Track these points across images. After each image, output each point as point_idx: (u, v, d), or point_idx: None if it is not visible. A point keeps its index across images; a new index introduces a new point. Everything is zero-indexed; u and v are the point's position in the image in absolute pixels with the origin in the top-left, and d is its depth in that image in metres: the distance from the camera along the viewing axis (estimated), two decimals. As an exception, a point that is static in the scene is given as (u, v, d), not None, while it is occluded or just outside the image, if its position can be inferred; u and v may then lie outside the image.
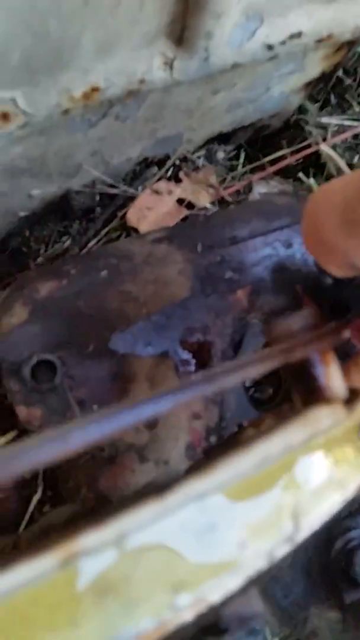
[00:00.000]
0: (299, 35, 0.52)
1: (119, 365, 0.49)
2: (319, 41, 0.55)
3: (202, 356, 0.52)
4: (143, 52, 0.47)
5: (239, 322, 0.53)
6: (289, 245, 0.57)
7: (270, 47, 0.52)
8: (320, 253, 0.26)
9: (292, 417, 0.24)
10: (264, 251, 0.57)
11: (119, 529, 0.16)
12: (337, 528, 0.49)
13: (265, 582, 0.47)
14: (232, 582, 0.18)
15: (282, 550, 0.20)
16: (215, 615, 0.34)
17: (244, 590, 0.19)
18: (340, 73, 0.76)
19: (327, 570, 0.47)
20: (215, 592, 0.17)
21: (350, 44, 0.61)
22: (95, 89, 0.43)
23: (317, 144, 0.70)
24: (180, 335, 0.52)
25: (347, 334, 0.30)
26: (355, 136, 0.76)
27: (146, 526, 0.16)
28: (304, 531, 0.21)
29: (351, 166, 0.75)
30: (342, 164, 0.68)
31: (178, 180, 0.68)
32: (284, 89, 0.66)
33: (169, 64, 0.48)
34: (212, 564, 0.17)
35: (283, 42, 0.52)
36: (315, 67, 0.64)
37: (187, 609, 0.16)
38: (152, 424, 0.49)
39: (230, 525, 0.18)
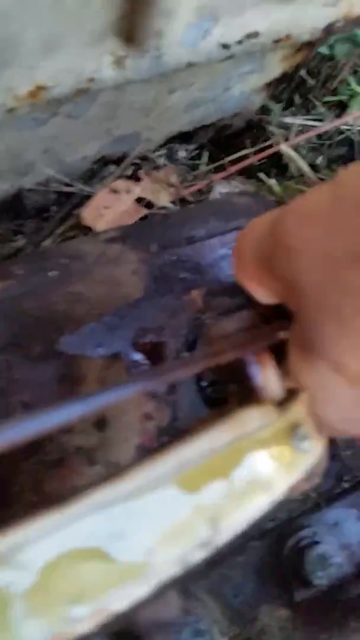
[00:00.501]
0: (255, 35, 0.53)
1: (67, 367, 0.49)
2: (277, 41, 0.55)
3: (155, 357, 0.52)
4: (91, 50, 0.46)
5: (193, 322, 0.53)
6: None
7: (226, 47, 0.52)
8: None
9: (220, 419, 0.24)
10: (220, 251, 0.57)
11: (14, 540, 0.16)
12: (289, 527, 0.49)
13: (215, 581, 0.47)
14: (139, 590, 0.18)
15: (198, 555, 0.20)
16: (129, 621, 0.34)
17: (158, 595, 0.19)
18: (303, 73, 0.77)
19: (278, 569, 0.48)
20: (120, 601, 0.17)
21: (310, 45, 0.62)
22: (41, 88, 0.43)
23: (278, 144, 0.70)
24: (133, 336, 0.51)
25: (283, 335, 0.30)
26: (319, 136, 0.77)
27: (45, 536, 0.16)
28: (224, 535, 0.21)
29: (314, 167, 0.75)
30: (302, 164, 0.68)
31: (138, 179, 0.68)
32: (244, 89, 0.66)
33: (120, 63, 0.48)
34: (117, 572, 0.17)
35: (239, 42, 0.53)
36: (275, 67, 0.65)
37: (85, 620, 0.16)
38: (101, 425, 0.49)
39: (139, 531, 0.18)
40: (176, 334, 0.53)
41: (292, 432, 0.26)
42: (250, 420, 0.24)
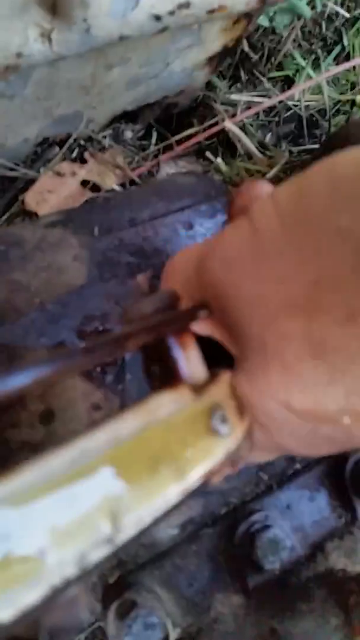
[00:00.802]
0: (187, 5, 0.51)
1: (8, 359, 0.47)
2: (211, 12, 0.53)
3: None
4: (15, 22, 0.44)
5: (138, 307, 0.52)
6: (189, 226, 0.56)
7: (157, 18, 0.50)
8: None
9: (131, 405, 0.23)
10: (165, 233, 0.55)
11: None
12: (241, 512, 0.49)
13: (168, 572, 0.46)
14: (28, 596, 0.16)
15: (98, 554, 0.18)
16: (34, 628, 0.32)
17: (52, 600, 0.17)
18: (246, 48, 0.75)
19: (231, 556, 0.47)
20: (6, 608, 0.16)
21: (248, 16, 0.60)
22: None
23: (224, 121, 0.69)
24: (78, 324, 0.50)
25: (203, 315, 0.28)
26: (267, 113, 0.75)
27: None
28: (128, 530, 0.20)
29: (263, 144, 0.74)
30: (247, 141, 0.67)
31: (84, 162, 0.66)
32: (185, 65, 0.64)
33: (47, 36, 0.46)
34: (2, 579, 0.16)
35: (171, 13, 0.50)
36: (214, 40, 0.63)
37: None
38: (47, 419, 0.47)
39: (27, 532, 0.17)
40: (122, 321, 0.51)
41: (210, 415, 0.25)
42: (160, 405, 0.23)
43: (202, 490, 0.25)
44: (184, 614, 0.45)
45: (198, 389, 0.26)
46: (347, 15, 0.76)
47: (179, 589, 0.46)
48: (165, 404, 0.23)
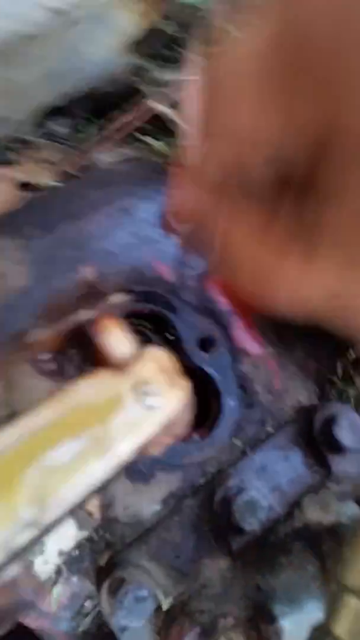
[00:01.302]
0: (88, -6, 0.50)
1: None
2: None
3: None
4: None
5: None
6: (130, 213, 0.56)
7: (59, 12, 0.50)
8: None
9: (55, 393, 0.24)
10: (105, 224, 0.55)
11: None
12: (219, 479, 0.50)
13: (154, 546, 0.48)
14: None
15: (24, 537, 0.19)
16: None
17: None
18: (171, 27, 0.74)
19: (213, 522, 0.49)
20: None
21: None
22: None
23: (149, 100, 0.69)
24: (26, 324, 0.50)
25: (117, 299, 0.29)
26: None
27: None
28: (53, 511, 0.21)
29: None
30: (175, 117, 0.67)
31: (17, 164, 0.66)
32: (105, 53, 0.64)
33: None
34: None
35: (73, 4, 0.50)
36: (130, 24, 0.62)
37: None
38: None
39: None
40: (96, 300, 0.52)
41: (138, 391, 0.26)
42: (78, 390, 0.24)
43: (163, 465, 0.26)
44: (174, 584, 0.47)
45: (122, 368, 0.27)
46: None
47: (167, 561, 0.47)
48: (84, 389, 0.24)
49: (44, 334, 0.26)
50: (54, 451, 0.21)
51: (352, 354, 0.65)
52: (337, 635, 0.37)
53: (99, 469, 0.23)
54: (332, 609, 0.39)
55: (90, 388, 0.24)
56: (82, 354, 0.34)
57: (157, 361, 0.28)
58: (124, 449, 0.24)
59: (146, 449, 0.26)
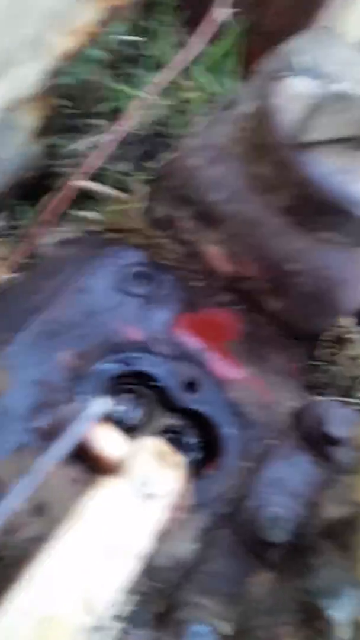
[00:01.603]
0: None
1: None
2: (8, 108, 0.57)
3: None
4: None
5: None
6: (86, 289, 0.61)
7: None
8: None
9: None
10: (66, 307, 0.60)
11: None
12: (240, 502, 0.54)
13: (201, 580, 0.52)
14: None
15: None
16: None
17: None
18: (66, 102, 0.78)
19: (247, 542, 0.53)
20: None
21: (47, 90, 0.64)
22: None
23: (77, 177, 0.73)
24: (29, 420, 0.54)
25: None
26: (121, 145, 0.78)
27: None
28: (106, 611, 0.25)
29: (121, 180, 0.77)
30: (101, 188, 0.71)
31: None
32: (15, 149, 0.68)
33: None
34: None
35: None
36: (29, 119, 0.67)
37: None
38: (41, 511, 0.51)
39: None
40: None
41: (138, 485, 0.30)
42: (92, 504, 0.28)
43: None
44: (229, 609, 0.51)
45: (120, 468, 0.31)
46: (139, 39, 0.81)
47: (216, 590, 0.52)
48: (91, 503, 0.28)
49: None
50: (85, 564, 0.26)
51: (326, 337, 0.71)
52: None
53: (128, 568, 0.27)
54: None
55: (99, 502, 0.29)
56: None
57: (148, 450, 0.32)
58: (142, 543, 0.28)
59: (160, 533, 0.31)
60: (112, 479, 0.30)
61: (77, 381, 0.57)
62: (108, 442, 0.32)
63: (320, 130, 0.45)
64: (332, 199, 0.46)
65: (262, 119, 0.50)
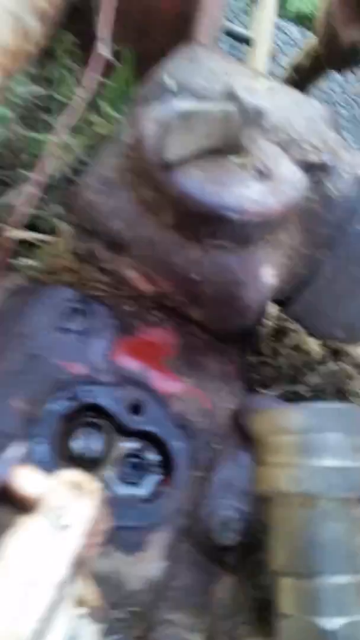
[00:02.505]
0: None
1: None
2: None
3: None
4: None
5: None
6: (29, 335, 0.63)
7: None
8: None
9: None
10: (11, 355, 0.62)
11: None
12: (195, 513, 0.56)
13: (173, 598, 0.53)
14: None
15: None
16: None
17: None
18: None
19: (207, 551, 0.54)
20: None
21: None
22: None
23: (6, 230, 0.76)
24: None
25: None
26: (48, 189, 0.81)
27: None
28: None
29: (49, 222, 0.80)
30: (30, 235, 0.74)
31: None
32: None
33: None
34: None
35: None
36: None
37: None
38: None
39: None
40: None
41: (52, 518, 0.32)
42: (6, 545, 0.30)
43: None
44: (201, 620, 0.52)
45: (36, 502, 0.33)
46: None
47: (185, 604, 0.53)
48: (9, 542, 0.30)
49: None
50: (8, 601, 0.28)
51: (269, 331, 0.72)
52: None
53: (45, 598, 0.29)
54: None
55: (18, 538, 0.31)
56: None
57: (64, 482, 0.34)
58: (59, 572, 0.30)
59: (83, 557, 0.32)
60: (30, 515, 0.32)
61: (31, 425, 0.60)
62: (26, 481, 0.34)
63: (180, 147, 0.47)
64: (207, 209, 0.48)
65: (136, 145, 0.52)
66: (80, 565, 0.33)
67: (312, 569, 0.39)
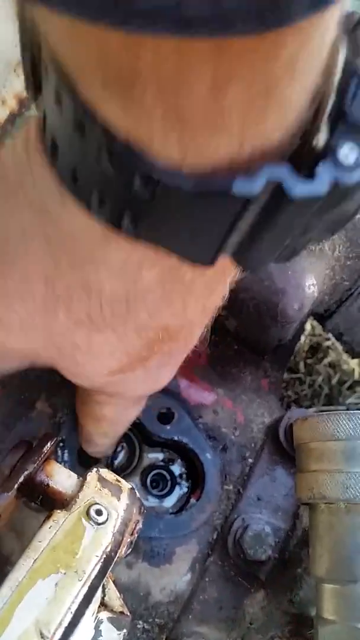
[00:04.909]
0: None
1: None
2: None
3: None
4: None
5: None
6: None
7: None
8: None
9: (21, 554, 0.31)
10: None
11: None
12: (226, 528, 0.57)
13: (198, 611, 0.54)
14: None
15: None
16: None
17: None
18: None
19: (237, 566, 0.55)
20: None
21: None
22: None
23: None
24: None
25: (51, 445, 0.37)
26: None
27: None
28: (59, 633, 0.28)
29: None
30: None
31: None
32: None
33: None
34: None
35: None
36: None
37: None
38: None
39: None
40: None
41: (87, 514, 0.34)
42: (41, 538, 0.32)
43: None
44: (227, 634, 0.53)
45: (71, 499, 0.35)
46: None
47: (214, 618, 0.54)
48: (45, 535, 0.32)
49: (4, 499, 0.34)
50: (39, 590, 0.29)
51: (304, 347, 0.74)
52: None
53: (78, 591, 0.30)
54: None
55: (50, 531, 0.32)
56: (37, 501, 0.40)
57: (96, 481, 0.35)
58: (91, 566, 0.31)
59: (115, 555, 0.34)
60: (61, 512, 0.33)
61: (55, 429, 0.61)
62: (61, 476, 0.35)
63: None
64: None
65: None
66: (111, 564, 0.34)
67: (357, 575, 0.40)
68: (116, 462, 0.64)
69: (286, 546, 0.54)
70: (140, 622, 0.54)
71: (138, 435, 0.64)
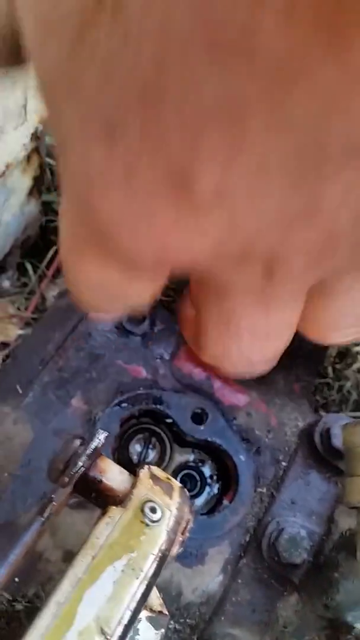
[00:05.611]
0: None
1: (8, 536, 0.55)
2: (2, 174, 0.63)
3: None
4: None
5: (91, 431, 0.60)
6: (90, 335, 0.65)
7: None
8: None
9: (79, 549, 0.32)
10: (73, 355, 0.64)
11: None
12: (260, 530, 0.57)
13: (231, 612, 0.54)
14: None
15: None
16: None
17: None
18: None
19: (271, 568, 0.55)
20: None
21: (36, 150, 0.71)
22: None
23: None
24: (48, 471, 0.58)
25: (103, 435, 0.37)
26: None
27: None
28: (119, 630, 0.28)
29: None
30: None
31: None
32: (14, 211, 0.74)
33: None
34: None
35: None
36: (22, 181, 0.73)
37: None
38: (70, 558, 0.55)
39: None
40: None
41: (142, 511, 0.34)
42: (98, 535, 0.32)
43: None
44: (261, 637, 0.53)
45: (125, 496, 0.35)
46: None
47: (247, 620, 0.54)
48: (102, 531, 0.32)
49: (62, 494, 0.34)
50: (98, 587, 0.29)
51: (332, 353, 0.73)
52: None
53: (138, 587, 0.30)
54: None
55: (107, 528, 0.32)
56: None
57: (148, 478, 0.35)
58: (149, 565, 0.31)
59: (168, 553, 0.34)
60: (117, 508, 0.33)
61: (91, 426, 0.62)
62: (114, 474, 0.35)
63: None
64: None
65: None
66: (165, 563, 0.34)
67: None
68: (147, 461, 0.64)
69: (321, 550, 0.53)
70: (172, 622, 0.55)
71: (169, 435, 0.64)
